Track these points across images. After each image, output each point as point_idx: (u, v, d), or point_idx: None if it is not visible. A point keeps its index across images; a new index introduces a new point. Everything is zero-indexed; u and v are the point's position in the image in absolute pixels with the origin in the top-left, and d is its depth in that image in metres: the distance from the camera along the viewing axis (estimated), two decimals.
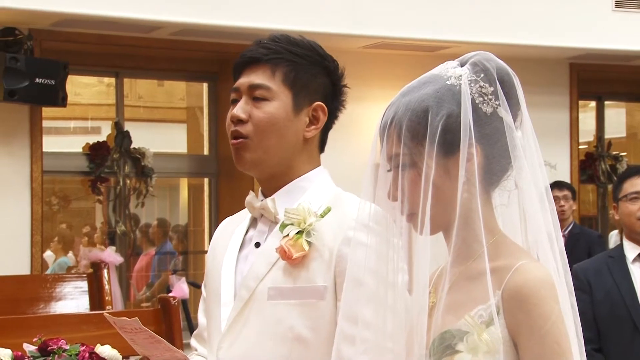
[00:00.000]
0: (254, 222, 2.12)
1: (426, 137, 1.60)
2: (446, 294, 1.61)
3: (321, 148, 2.14)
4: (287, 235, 1.99)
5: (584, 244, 6.37)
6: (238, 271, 2.07)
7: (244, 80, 2.08)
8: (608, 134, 8.84)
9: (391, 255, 1.67)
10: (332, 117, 2.12)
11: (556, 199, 6.56)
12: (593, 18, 7.41)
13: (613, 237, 8.05)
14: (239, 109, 2.06)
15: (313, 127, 2.09)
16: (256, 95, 2.06)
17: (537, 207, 1.64)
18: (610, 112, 9.16)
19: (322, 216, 2.00)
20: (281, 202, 2.06)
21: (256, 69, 2.07)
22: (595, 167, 8.55)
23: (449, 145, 1.60)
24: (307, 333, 1.95)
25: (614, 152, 8.71)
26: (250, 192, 2.12)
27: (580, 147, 8.29)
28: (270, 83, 2.05)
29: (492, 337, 1.54)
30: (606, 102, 8.94)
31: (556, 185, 6.68)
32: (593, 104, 8.89)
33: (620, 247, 3.80)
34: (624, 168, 8.33)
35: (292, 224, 1.99)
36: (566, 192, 6.63)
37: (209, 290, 2.14)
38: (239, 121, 2.06)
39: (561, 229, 6.53)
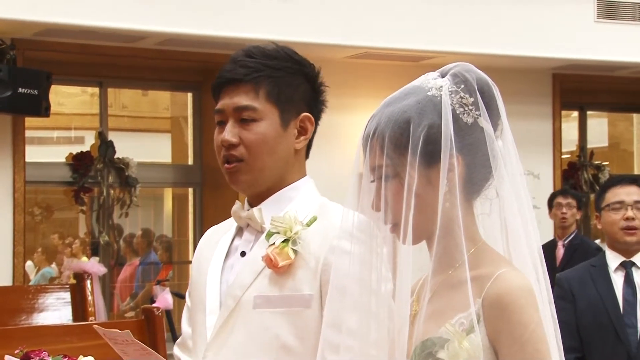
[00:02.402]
0: (239, 232, 2.12)
1: (408, 148, 1.62)
2: (428, 302, 1.62)
3: (307, 155, 2.15)
4: (273, 243, 1.99)
5: (580, 255, 6.39)
6: (223, 280, 2.07)
7: (228, 102, 2.06)
8: (590, 144, 8.89)
9: (375, 264, 1.68)
10: (316, 120, 2.12)
11: (559, 205, 6.64)
12: (575, 29, 7.47)
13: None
14: (229, 133, 2.04)
15: (302, 137, 2.10)
16: (243, 117, 2.04)
17: (517, 216, 1.66)
18: (592, 122, 9.22)
19: (308, 225, 2.00)
20: (268, 211, 2.06)
21: (238, 90, 2.05)
22: (577, 176, 8.60)
23: (431, 155, 1.62)
24: (293, 341, 1.96)
25: (597, 162, 8.76)
26: (237, 201, 2.12)
27: (563, 156, 8.34)
28: (255, 103, 2.04)
29: (472, 345, 1.56)
30: (589, 112, 9.00)
31: (561, 193, 6.78)
32: (576, 113, 8.95)
33: (602, 256, 3.81)
34: (606, 177, 8.38)
35: (278, 233, 1.99)
36: (570, 200, 6.70)
37: (194, 299, 2.14)
38: (230, 145, 2.04)
39: (563, 237, 6.60)
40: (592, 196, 8.16)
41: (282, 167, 2.07)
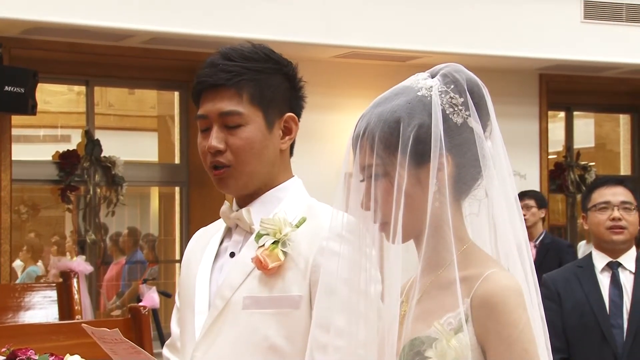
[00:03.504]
0: (228, 232, 2.12)
1: (398, 148, 1.62)
2: (417, 302, 1.62)
3: (291, 153, 2.15)
4: (263, 245, 1.98)
5: (554, 254, 6.41)
6: (213, 281, 2.07)
7: (211, 108, 2.04)
8: (577, 144, 8.93)
9: (364, 264, 1.69)
10: (298, 118, 2.11)
11: None
12: (562, 29, 7.49)
13: (582, 248, 8.11)
14: (215, 140, 2.03)
15: (287, 137, 2.09)
16: (228, 122, 2.02)
17: (506, 217, 1.67)
18: (579, 123, 9.25)
19: (297, 226, 2.00)
20: (257, 212, 2.05)
21: (220, 94, 2.03)
22: (564, 177, 8.62)
23: (421, 155, 1.62)
24: (282, 342, 1.96)
25: (583, 162, 8.79)
26: (225, 202, 2.12)
27: (549, 157, 8.37)
28: (240, 107, 2.02)
29: (460, 344, 1.56)
30: (575, 113, 9.03)
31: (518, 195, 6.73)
32: (562, 114, 8.98)
33: (589, 257, 3.82)
34: (592, 178, 8.41)
35: (267, 234, 1.99)
36: (527, 201, 6.68)
37: (183, 300, 2.14)
38: (217, 151, 2.03)
39: (532, 238, 6.59)
40: (579, 197, 8.19)
41: (269, 169, 2.07)
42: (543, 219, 6.84)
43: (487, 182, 1.67)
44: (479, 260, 1.65)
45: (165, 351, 2.23)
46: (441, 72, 1.68)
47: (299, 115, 2.12)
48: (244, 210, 2.06)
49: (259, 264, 1.97)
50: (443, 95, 1.65)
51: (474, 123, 1.66)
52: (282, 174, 2.10)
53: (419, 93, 1.66)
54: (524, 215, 6.16)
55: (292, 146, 2.13)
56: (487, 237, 1.70)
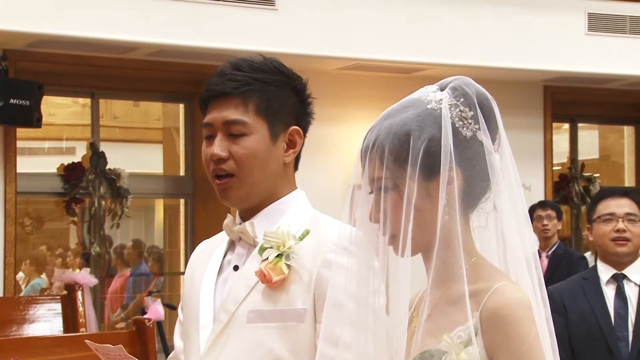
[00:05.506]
0: (232, 245, 2.12)
1: (408, 161, 1.62)
2: (427, 317, 1.62)
3: (295, 167, 2.15)
4: (267, 258, 1.98)
5: (565, 265, 6.39)
6: (217, 294, 2.06)
7: (216, 116, 2.05)
8: (581, 156, 8.93)
9: (371, 278, 1.68)
10: (304, 133, 2.12)
11: (539, 218, 6.61)
12: (566, 41, 7.50)
13: (587, 259, 8.09)
14: (218, 147, 2.03)
15: (291, 151, 2.09)
16: (233, 131, 2.03)
17: (515, 230, 1.66)
18: (583, 134, 9.25)
19: (300, 239, 2.00)
20: (260, 225, 2.05)
21: (227, 103, 2.04)
22: (569, 188, 8.62)
23: (430, 168, 1.62)
24: (287, 356, 1.95)
25: (587, 174, 8.79)
26: (228, 215, 2.12)
27: (554, 168, 8.37)
28: (245, 117, 2.03)
29: (470, 357, 1.56)
30: (579, 124, 9.04)
31: (540, 205, 6.74)
32: (566, 126, 8.98)
33: (594, 269, 3.81)
34: (597, 189, 8.41)
35: (271, 247, 1.99)
36: (549, 212, 6.68)
37: (187, 313, 2.13)
38: (219, 159, 2.04)
39: (546, 248, 6.58)
40: (584, 208, 8.18)
41: (272, 181, 2.06)
42: (558, 231, 6.84)
43: (496, 195, 1.67)
44: (488, 273, 1.64)
45: None
46: (450, 85, 1.68)
47: (305, 130, 2.11)
48: (247, 223, 2.06)
49: (263, 277, 1.97)
50: (453, 109, 1.65)
51: (484, 136, 1.65)
52: (285, 187, 2.09)
53: (428, 106, 1.66)
54: (546, 225, 6.09)
55: (297, 160, 2.13)
56: (495, 250, 1.69)
